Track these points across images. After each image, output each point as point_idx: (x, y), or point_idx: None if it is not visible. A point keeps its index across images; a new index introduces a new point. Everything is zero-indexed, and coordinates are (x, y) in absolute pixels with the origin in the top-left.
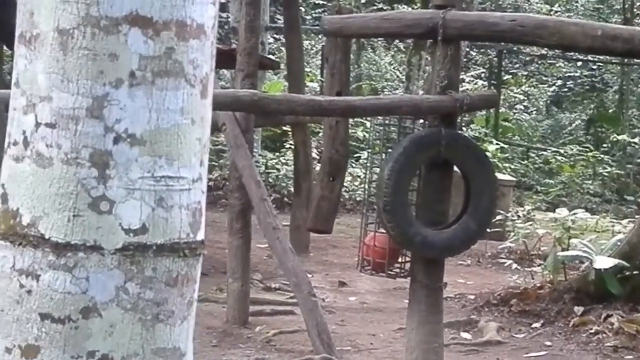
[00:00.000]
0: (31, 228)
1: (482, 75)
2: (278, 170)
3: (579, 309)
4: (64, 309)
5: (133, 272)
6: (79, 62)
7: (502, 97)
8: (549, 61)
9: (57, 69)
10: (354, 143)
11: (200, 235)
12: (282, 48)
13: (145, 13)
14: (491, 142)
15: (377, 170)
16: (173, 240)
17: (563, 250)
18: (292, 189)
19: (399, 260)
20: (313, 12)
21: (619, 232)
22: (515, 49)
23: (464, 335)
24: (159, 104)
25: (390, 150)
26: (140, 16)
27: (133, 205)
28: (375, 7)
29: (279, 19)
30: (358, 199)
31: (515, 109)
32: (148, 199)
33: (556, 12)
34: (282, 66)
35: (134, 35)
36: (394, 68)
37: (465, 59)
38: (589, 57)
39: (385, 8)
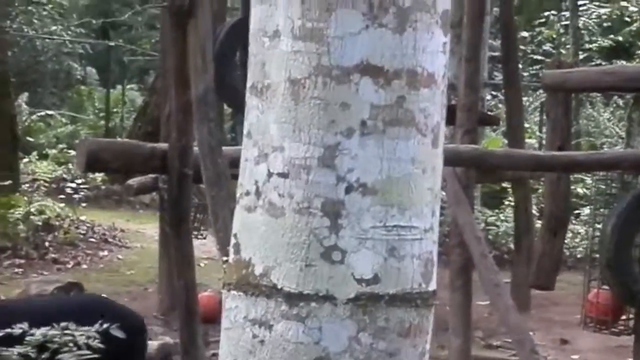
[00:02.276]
0: (263, 278)
1: None
2: (497, 227)
3: None
4: (297, 359)
5: (365, 322)
6: (311, 111)
7: None
8: None
9: (289, 119)
10: (573, 199)
11: (432, 286)
12: (500, 105)
13: (376, 62)
14: None
15: (599, 226)
16: (405, 290)
17: None
18: (511, 246)
19: (623, 317)
20: (531, 68)
21: None
22: None
23: None
24: (390, 153)
25: (612, 206)
26: (371, 65)
27: (365, 255)
28: (593, 63)
29: (496, 76)
30: (579, 256)
31: None
32: (380, 248)
33: None
34: (501, 122)
35: (365, 85)
36: (613, 124)
37: None
38: None
39: (603, 63)
